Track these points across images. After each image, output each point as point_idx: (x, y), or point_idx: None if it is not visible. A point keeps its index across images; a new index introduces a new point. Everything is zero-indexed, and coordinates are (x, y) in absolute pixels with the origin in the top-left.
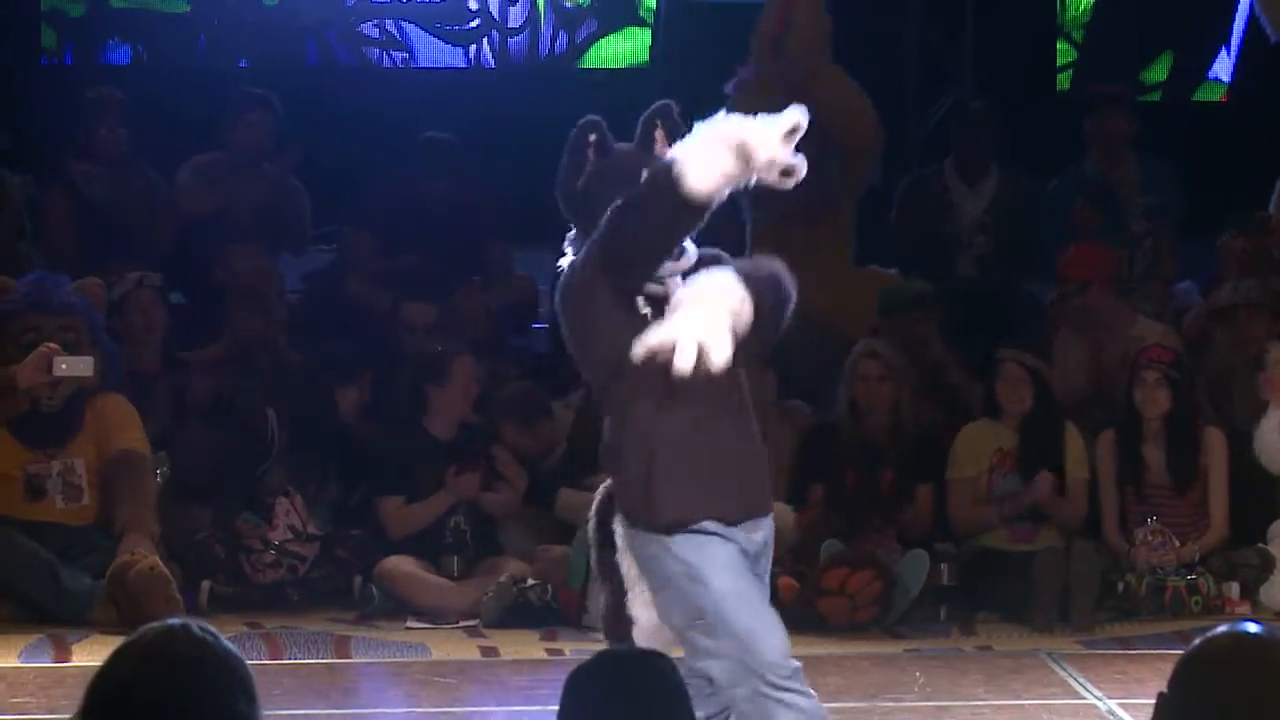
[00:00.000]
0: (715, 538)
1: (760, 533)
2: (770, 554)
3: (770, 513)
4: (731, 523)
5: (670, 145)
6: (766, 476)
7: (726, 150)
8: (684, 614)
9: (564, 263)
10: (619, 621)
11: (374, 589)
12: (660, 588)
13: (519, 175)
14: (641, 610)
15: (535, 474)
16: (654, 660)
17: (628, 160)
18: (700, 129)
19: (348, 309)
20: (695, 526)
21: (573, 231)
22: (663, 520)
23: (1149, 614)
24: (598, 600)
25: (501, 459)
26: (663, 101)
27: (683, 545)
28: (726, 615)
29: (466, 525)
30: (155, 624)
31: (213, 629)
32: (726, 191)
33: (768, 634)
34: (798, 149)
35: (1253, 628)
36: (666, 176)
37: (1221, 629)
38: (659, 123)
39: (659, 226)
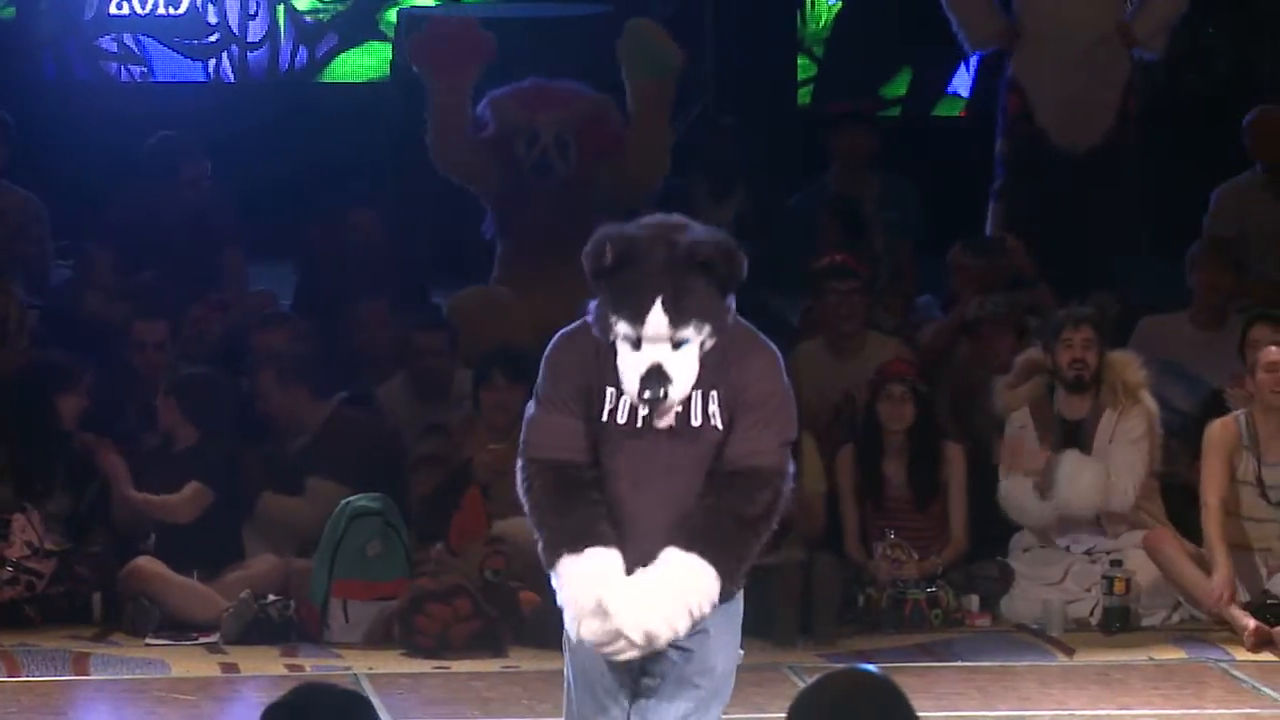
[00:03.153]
0: None
1: None
2: None
3: None
4: None
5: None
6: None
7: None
8: None
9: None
10: None
11: (146, 603)
12: None
13: (260, 190)
14: None
15: (276, 464)
16: (352, 698)
17: (644, 281)
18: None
19: (85, 326)
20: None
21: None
22: None
23: (890, 627)
24: (339, 616)
25: None
26: (727, 245)
27: None
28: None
29: (151, 523)
30: None
31: None
32: None
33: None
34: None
35: (869, 669)
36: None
37: (840, 669)
38: (713, 261)
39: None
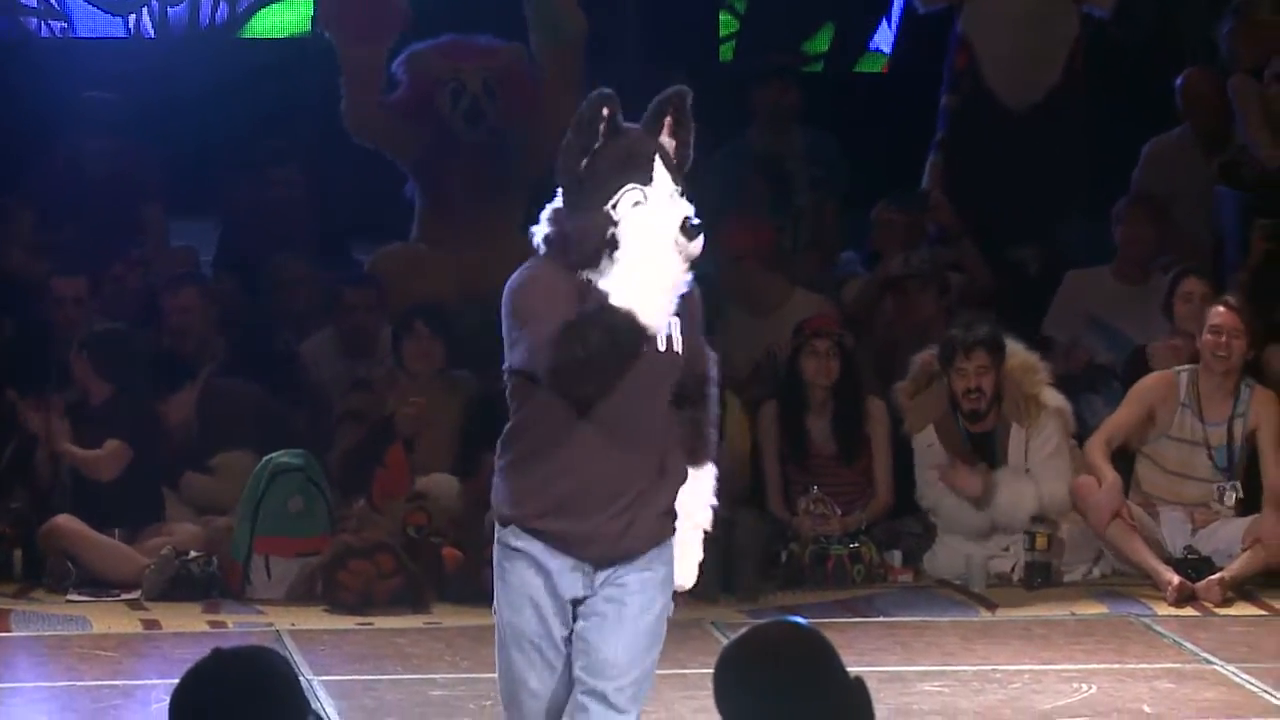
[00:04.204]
0: (523, 556)
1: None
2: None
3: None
4: (560, 549)
5: (675, 134)
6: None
7: (669, 291)
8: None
9: (538, 233)
10: None
11: (71, 565)
12: None
13: (181, 146)
14: None
15: (162, 449)
16: (265, 655)
17: (635, 145)
18: (634, 270)
19: (5, 282)
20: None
21: (557, 202)
22: (498, 511)
23: (813, 583)
24: (261, 572)
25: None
26: (679, 87)
27: (498, 549)
28: (501, 644)
29: (68, 480)
30: None
31: None
32: None
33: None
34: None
35: (797, 621)
36: (631, 331)
37: (767, 621)
38: (670, 110)
39: (617, 370)
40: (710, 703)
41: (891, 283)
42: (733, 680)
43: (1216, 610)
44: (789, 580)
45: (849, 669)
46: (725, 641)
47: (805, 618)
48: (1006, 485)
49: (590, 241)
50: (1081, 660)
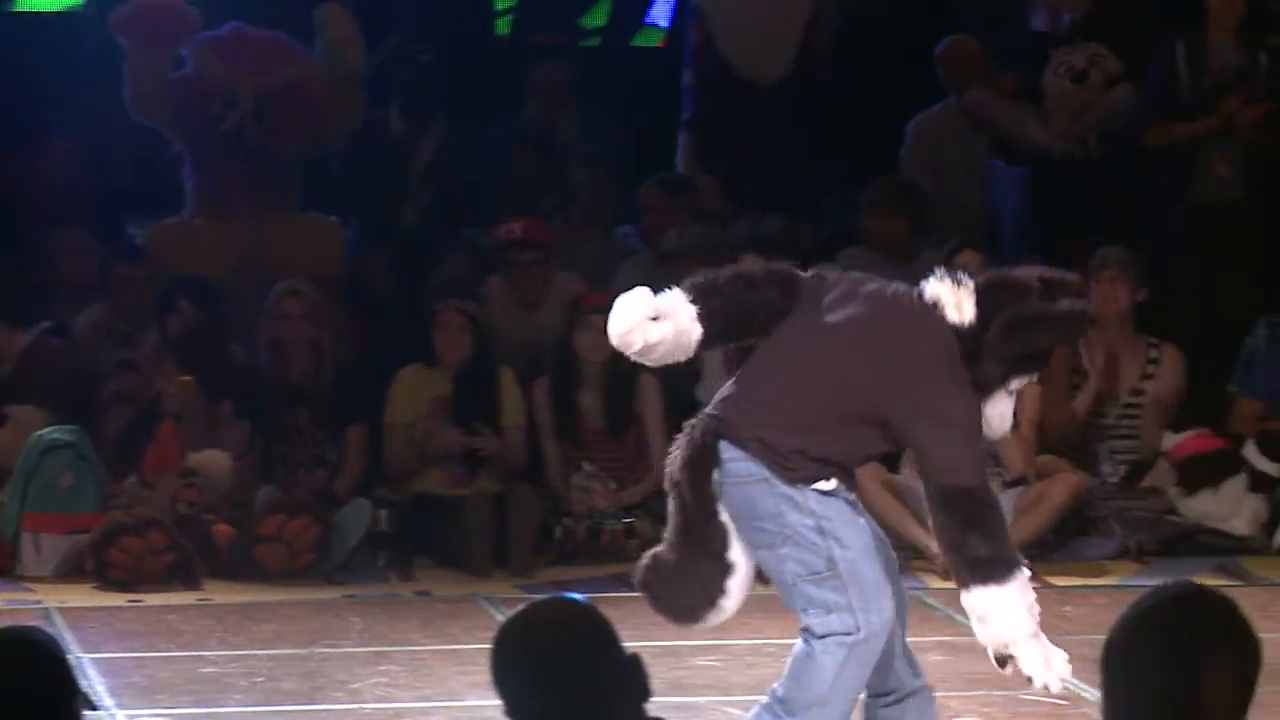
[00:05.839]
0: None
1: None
2: None
3: None
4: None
5: None
6: None
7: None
8: (803, 566)
9: (957, 309)
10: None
11: None
12: (775, 543)
13: None
14: (742, 558)
15: None
16: (30, 635)
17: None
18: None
19: None
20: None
21: (969, 292)
22: (799, 474)
23: (588, 557)
24: (31, 549)
25: None
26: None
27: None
28: (859, 569)
29: None
30: None
31: None
32: None
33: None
34: None
35: (575, 597)
36: None
37: (545, 598)
38: None
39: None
40: (484, 678)
41: (667, 259)
42: (512, 658)
43: None
44: (564, 555)
45: (624, 644)
46: (499, 617)
47: (580, 592)
48: None
49: (983, 388)
50: None
